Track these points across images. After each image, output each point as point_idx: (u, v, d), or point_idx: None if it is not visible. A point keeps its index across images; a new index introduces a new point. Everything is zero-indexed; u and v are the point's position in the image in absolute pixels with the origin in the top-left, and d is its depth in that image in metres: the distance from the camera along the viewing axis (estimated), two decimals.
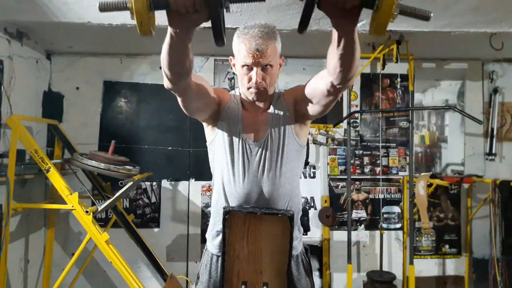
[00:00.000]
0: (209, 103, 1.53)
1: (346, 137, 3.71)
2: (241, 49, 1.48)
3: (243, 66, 1.50)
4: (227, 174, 1.59)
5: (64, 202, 2.74)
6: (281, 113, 1.59)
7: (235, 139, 1.57)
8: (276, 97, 1.65)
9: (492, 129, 3.91)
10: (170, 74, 1.25)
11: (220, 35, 1.06)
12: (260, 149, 1.56)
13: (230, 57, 1.62)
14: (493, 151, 3.90)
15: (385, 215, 3.86)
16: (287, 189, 1.59)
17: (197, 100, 1.46)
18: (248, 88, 1.52)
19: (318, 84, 1.41)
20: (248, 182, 1.56)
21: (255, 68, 1.48)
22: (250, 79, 1.50)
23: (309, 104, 1.50)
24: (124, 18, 2.75)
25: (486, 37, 3.10)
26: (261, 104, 1.62)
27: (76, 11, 2.67)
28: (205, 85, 1.48)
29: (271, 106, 1.62)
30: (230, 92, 1.70)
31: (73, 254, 2.87)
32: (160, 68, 4.02)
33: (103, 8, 1.08)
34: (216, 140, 1.62)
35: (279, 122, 1.58)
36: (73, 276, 3.34)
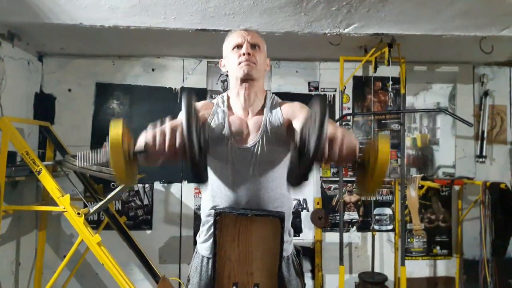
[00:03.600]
0: None
1: None
2: (230, 37, 1.61)
3: (233, 48, 1.58)
4: (217, 179, 1.58)
5: (56, 204, 2.72)
6: (275, 119, 1.58)
7: (223, 146, 1.55)
8: (270, 101, 1.64)
9: (483, 132, 3.95)
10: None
11: (199, 175, 1.13)
12: (250, 154, 1.54)
13: (220, 59, 1.66)
14: (484, 154, 3.94)
15: (376, 217, 3.88)
16: (278, 193, 1.59)
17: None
18: (239, 64, 1.54)
19: None
20: (238, 186, 1.55)
21: (244, 44, 1.56)
22: (240, 56, 1.55)
23: (297, 130, 1.55)
24: (116, 19, 2.75)
25: (476, 40, 3.14)
26: (252, 102, 1.60)
27: (68, 12, 2.67)
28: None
29: (265, 109, 1.61)
30: (214, 100, 1.67)
31: (64, 257, 2.85)
32: (153, 70, 3.98)
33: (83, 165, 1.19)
34: None
35: (272, 128, 1.56)
36: (65, 278, 3.33)
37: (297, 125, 1.49)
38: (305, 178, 1.15)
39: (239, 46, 1.56)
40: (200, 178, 1.13)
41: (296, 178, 1.16)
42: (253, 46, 1.56)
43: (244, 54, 1.53)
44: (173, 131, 1.07)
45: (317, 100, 1.13)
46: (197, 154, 1.06)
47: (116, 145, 1.07)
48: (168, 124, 1.11)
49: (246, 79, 1.55)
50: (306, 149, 1.10)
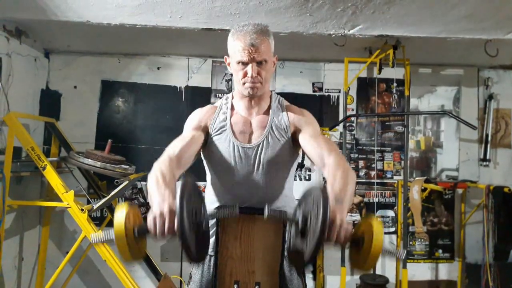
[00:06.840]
0: (198, 148, 1.59)
1: (341, 141, 3.73)
2: (236, 46, 1.50)
3: (238, 62, 1.51)
4: (220, 177, 1.60)
5: (60, 200, 2.74)
6: (281, 122, 1.59)
7: (227, 145, 1.57)
8: (276, 101, 1.65)
9: (487, 135, 3.94)
10: None
11: (189, 254, 1.16)
12: (254, 152, 1.55)
13: (225, 56, 1.62)
14: (487, 157, 3.93)
15: (379, 219, 3.87)
16: (281, 193, 1.60)
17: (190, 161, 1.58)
18: (244, 83, 1.53)
19: (316, 156, 1.48)
20: (241, 184, 1.56)
21: (250, 64, 1.49)
22: (245, 75, 1.51)
23: (303, 147, 1.57)
24: (122, 18, 2.76)
25: (481, 43, 3.14)
26: (257, 105, 1.62)
27: (76, 10, 2.68)
28: (187, 144, 1.56)
29: (271, 110, 1.62)
30: (218, 102, 1.68)
31: (67, 252, 2.87)
32: (158, 68, 3.98)
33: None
34: (208, 146, 1.62)
35: (277, 127, 1.58)
36: (67, 274, 3.34)
37: (303, 139, 1.53)
38: (313, 261, 1.25)
39: (244, 63, 1.51)
40: (189, 257, 1.18)
41: (304, 263, 1.22)
42: (260, 62, 1.50)
43: (250, 76, 1.50)
44: (172, 213, 1.15)
45: (317, 189, 1.19)
46: (188, 238, 1.12)
47: (119, 232, 1.14)
48: (166, 208, 1.17)
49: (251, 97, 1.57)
50: (309, 233, 1.17)
